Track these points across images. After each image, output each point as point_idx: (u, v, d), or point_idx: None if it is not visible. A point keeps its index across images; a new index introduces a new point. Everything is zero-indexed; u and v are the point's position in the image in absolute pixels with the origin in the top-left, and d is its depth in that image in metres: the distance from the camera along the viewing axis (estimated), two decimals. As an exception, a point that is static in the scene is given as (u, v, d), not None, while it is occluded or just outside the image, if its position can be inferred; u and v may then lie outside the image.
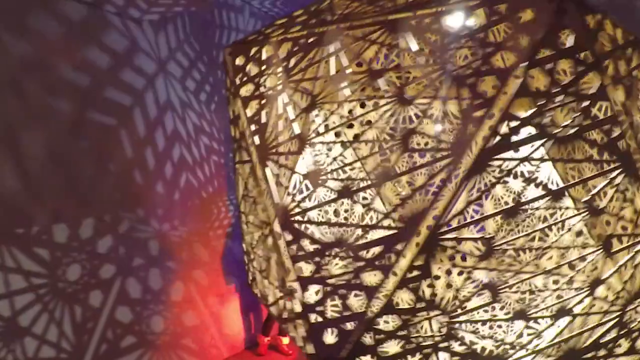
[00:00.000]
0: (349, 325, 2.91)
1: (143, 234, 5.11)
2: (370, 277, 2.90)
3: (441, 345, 2.83)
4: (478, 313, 3.15)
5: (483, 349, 3.09)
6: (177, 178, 5.54)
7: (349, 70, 3.34)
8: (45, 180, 4.26)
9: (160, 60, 5.31)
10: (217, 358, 6.22)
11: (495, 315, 3.65)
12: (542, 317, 2.89)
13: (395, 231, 2.74)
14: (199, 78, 5.87)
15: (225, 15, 6.26)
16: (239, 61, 3.76)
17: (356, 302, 3.02)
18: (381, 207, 4.59)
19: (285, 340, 6.63)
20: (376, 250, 2.78)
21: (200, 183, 5.90)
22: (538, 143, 2.54)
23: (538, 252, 3.27)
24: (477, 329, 3.33)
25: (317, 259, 3.02)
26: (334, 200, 3.56)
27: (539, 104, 2.46)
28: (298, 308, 3.11)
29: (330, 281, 2.96)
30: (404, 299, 3.13)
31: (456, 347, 2.88)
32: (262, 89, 3.49)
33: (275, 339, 6.68)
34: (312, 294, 3.19)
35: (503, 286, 2.76)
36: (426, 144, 4.50)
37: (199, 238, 5.91)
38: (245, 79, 3.64)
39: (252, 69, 3.64)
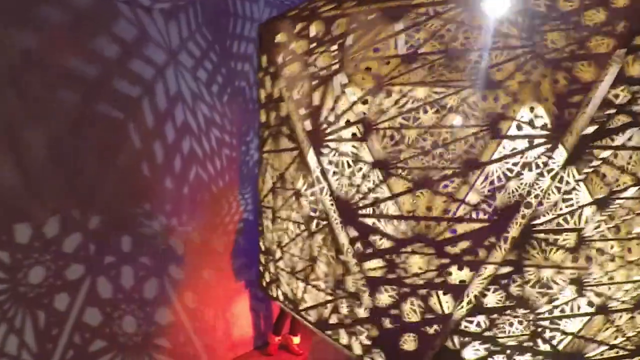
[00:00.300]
0: (431, 329, 2.71)
1: (150, 230, 4.95)
2: (457, 275, 2.71)
3: (525, 344, 2.67)
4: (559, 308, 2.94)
5: (565, 345, 2.90)
6: (187, 172, 5.37)
7: (422, 50, 3.06)
8: (47, 176, 4.10)
9: (170, 50, 5.13)
10: (226, 358, 6.07)
11: (576, 310, 3.43)
12: (623, 311, 2.72)
13: (486, 224, 2.58)
14: (210, 68, 5.68)
15: (239, 4, 6.05)
16: (281, 38, 3.44)
17: (440, 302, 2.78)
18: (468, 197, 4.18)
19: (296, 340, 6.46)
20: (464, 245, 2.61)
21: (211, 177, 5.73)
22: (632, 131, 2.43)
23: (623, 243, 3.06)
24: (560, 325, 3.10)
25: (389, 256, 2.76)
26: (411, 192, 3.23)
27: (634, 91, 2.34)
28: (362, 312, 2.88)
29: (407, 281, 2.73)
30: (491, 297, 2.93)
31: (541, 345, 2.71)
32: (312, 69, 3.17)
33: (285, 338, 6.51)
34: (384, 296, 2.92)
35: (590, 281, 2.59)
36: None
37: (208, 233, 5.75)
38: (290, 57, 3.34)
39: (298, 46, 3.31)
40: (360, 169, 3.18)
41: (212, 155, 5.74)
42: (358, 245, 2.85)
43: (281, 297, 3.71)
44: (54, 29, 4.10)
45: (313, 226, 3.15)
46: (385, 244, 2.88)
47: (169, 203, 5.14)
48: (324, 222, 3.05)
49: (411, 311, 2.77)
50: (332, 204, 2.93)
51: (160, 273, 5.10)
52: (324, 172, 3.03)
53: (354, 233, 2.86)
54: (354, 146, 3.10)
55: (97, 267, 4.51)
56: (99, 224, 4.48)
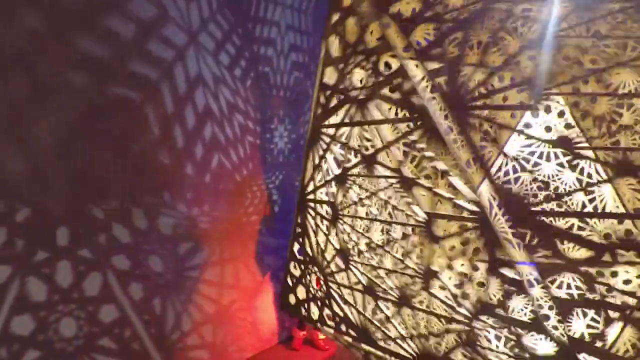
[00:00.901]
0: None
1: (170, 220, 4.67)
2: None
3: None
4: None
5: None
6: (209, 159, 5.08)
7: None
8: (58, 165, 3.83)
9: (191, 31, 4.83)
10: (249, 352, 5.79)
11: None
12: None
13: None
14: (233, 52, 5.37)
15: (262, -16, 5.76)
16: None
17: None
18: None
19: (322, 335, 6.17)
20: None
21: (234, 165, 5.43)
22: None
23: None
24: None
25: (584, 268, 1.98)
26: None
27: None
28: (543, 346, 2.06)
29: (613, 300, 1.96)
30: None
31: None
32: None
33: (310, 333, 6.22)
34: (580, 323, 2.18)
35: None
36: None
37: (231, 224, 5.46)
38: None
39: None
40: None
41: (235, 143, 5.44)
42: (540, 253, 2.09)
43: (328, 322, 3.00)
44: (65, 7, 3.82)
45: (435, 228, 2.42)
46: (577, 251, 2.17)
47: (189, 192, 4.85)
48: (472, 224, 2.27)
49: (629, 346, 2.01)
50: (494, 198, 2.17)
51: (180, 265, 4.82)
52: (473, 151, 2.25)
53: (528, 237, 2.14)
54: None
55: (106, 262, 4.25)
56: (112, 216, 4.21)
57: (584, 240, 2.03)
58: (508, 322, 2.10)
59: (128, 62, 4.24)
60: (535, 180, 2.54)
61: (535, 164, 2.69)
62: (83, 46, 3.93)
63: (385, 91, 2.67)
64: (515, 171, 2.68)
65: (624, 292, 1.98)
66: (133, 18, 4.25)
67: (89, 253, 4.07)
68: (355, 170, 2.94)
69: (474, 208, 2.19)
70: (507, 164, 2.63)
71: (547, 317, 2.03)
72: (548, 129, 2.69)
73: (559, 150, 2.63)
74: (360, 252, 2.91)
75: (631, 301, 1.98)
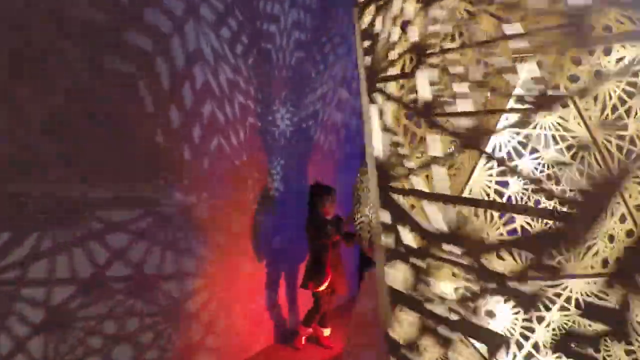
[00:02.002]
0: None
1: (165, 209, 4.22)
2: None
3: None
4: None
5: None
6: (207, 141, 4.62)
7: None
8: (44, 144, 3.36)
9: (190, 1, 4.35)
10: (251, 351, 5.37)
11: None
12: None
13: None
14: (235, 27, 4.90)
15: (266, -46, 5.28)
16: None
17: None
18: None
19: (327, 332, 5.75)
20: None
21: (234, 148, 4.97)
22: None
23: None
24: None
25: None
26: None
27: None
28: None
29: None
30: None
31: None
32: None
33: (315, 330, 5.80)
34: None
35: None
36: None
37: (232, 213, 5.01)
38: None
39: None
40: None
41: (235, 124, 4.98)
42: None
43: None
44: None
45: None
46: None
47: (186, 178, 4.40)
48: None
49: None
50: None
51: (176, 257, 4.37)
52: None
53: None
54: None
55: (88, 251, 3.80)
56: (104, 203, 3.74)
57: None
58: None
59: (122, 32, 3.77)
60: None
61: None
62: (73, 13, 3.45)
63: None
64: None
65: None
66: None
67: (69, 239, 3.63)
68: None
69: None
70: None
71: None
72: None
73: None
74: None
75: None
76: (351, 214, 5.08)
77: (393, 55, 2.12)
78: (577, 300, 2.62)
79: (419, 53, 1.95)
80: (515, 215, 2.85)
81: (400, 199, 1.92)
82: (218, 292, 4.85)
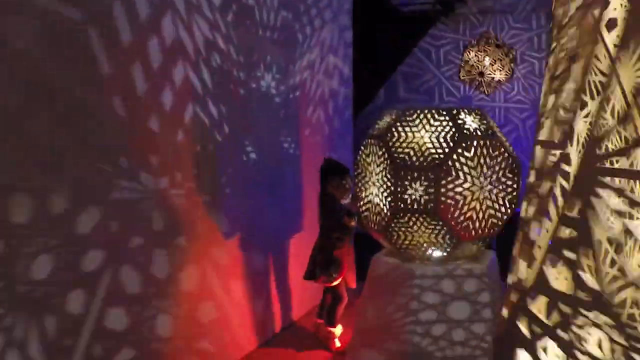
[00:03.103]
0: None
1: (130, 195, 3.32)
2: None
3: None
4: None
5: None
6: (180, 111, 3.73)
7: None
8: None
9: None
10: (244, 352, 4.54)
11: None
12: None
13: None
14: (211, -29, 4.01)
15: None
16: None
17: None
18: None
19: (338, 331, 4.94)
20: None
21: (213, 120, 4.09)
22: None
23: None
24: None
25: None
26: None
27: None
28: None
29: None
30: None
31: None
32: None
33: (319, 330, 5.03)
34: None
35: None
36: None
37: (212, 199, 4.14)
38: None
39: None
40: None
41: (214, 91, 4.09)
42: None
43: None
44: None
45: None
46: None
47: (155, 156, 3.50)
48: None
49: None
50: None
51: (144, 253, 3.49)
52: None
53: None
54: None
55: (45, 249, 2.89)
56: (50, 189, 2.84)
57: None
58: None
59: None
60: None
61: None
62: None
63: None
64: None
65: None
66: None
67: None
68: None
69: None
70: None
71: None
72: None
73: None
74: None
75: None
76: (355, 193, 4.30)
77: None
78: None
79: None
80: None
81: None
82: (203, 293, 4.00)
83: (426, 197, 3.72)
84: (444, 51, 9.82)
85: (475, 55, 8.31)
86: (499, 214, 3.90)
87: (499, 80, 8.42)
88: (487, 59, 8.32)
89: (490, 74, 8.37)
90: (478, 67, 8.37)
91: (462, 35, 9.71)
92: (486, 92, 8.60)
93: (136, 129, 3.33)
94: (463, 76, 8.58)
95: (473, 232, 3.83)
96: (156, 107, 3.48)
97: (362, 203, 4.20)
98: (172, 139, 3.65)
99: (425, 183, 3.72)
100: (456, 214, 3.75)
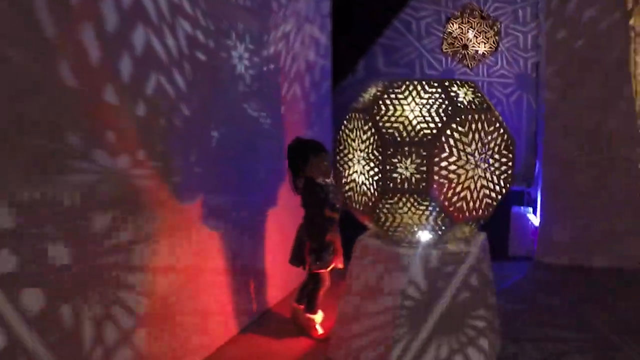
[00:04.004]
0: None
1: (85, 177, 2.96)
2: None
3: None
4: None
5: None
6: (142, 81, 3.37)
7: None
8: None
9: None
10: (212, 346, 4.24)
11: None
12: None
13: None
14: None
15: None
16: None
17: None
18: None
19: (319, 318, 4.68)
20: None
21: (180, 93, 3.73)
22: None
23: None
24: None
25: None
26: None
27: None
28: None
29: None
30: None
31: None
32: None
33: (297, 316, 4.75)
34: None
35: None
36: None
37: (180, 179, 3.80)
38: None
39: None
40: None
41: (180, 60, 3.72)
42: None
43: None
44: None
45: None
46: None
47: (113, 132, 3.14)
48: None
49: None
50: None
51: (104, 242, 3.14)
52: None
53: None
54: None
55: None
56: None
57: None
58: None
59: None
60: None
61: None
62: None
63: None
64: None
65: None
66: None
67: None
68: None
69: None
70: None
71: None
72: None
73: None
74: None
75: None
76: (336, 172, 4.00)
77: None
78: None
79: None
80: None
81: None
82: (163, 280, 3.68)
83: (417, 176, 3.41)
84: (425, 23, 9.53)
85: (459, 27, 8.02)
86: (493, 194, 3.63)
87: (483, 53, 8.16)
88: (470, 31, 8.04)
89: (474, 46, 8.10)
90: (462, 40, 8.10)
91: (444, 7, 9.43)
92: (470, 65, 8.35)
93: (90, 102, 2.96)
94: (446, 49, 8.31)
95: (467, 213, 3.55)
96: (113, 77, 3.11)
97: (345, 182, 3.90)
98: (132, 112, 3.28)
99: (417, 160, 3.41)
100: (449, 194, 3.47)
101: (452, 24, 8.07)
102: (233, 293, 4.55)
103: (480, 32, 7.89)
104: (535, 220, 7.61)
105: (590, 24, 6.52)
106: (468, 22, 7.92)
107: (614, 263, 6.58)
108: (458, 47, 8.08)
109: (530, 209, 8.22)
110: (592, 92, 6.58)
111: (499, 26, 8.11)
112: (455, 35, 8.06)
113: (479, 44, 7.98)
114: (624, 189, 6.56)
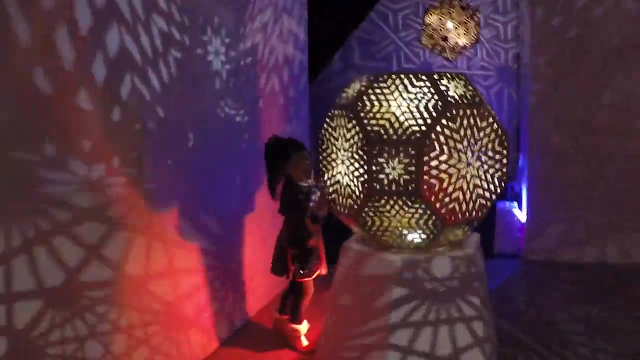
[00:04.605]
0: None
1: (60, 188, 2.85)
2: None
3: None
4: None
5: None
6: (116, 84, 3.25)
7: None
8: None
9: None
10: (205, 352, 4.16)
11: None
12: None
13: None
14: None
15: None
16: None
17: None
18: None
19: (304, 328, 4.59)
20: None
21: (155, 93, 3.62)
22: None
23: None
24: None
25: None
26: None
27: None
28: None
29: None
30: None
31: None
32: None
33: (282, 327, 4.65)
34: None
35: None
36: None
37: (157, 186, 3.69)
38: None
39: None
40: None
41: (155, 60, 3.61)
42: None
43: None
44: None
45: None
46: None
47: (88, 140, 3.03)
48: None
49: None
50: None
51: (79, 254, 3.03)
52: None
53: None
54: None
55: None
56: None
57: None
58: None
59: None
60: None
61: None
62: None
63: None
64: None
65: None
66: None
67: None
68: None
69: None
70: None
71: None
72: None
73: None
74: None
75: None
76: (320, 174, 3.90)
77: None
78: None
79: None
80: None
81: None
82: (141, 292, 3.58)
83: (406, 177, 3.33)
84: (403, 15, 9.46)
85: (439, 19, 7.96)
86: (487, 194, 3.56)
87: (464, 45, 8.10)
88: (450, 22, 7.98)
89: (454, 38, 8.05)
90: (441, 31, 8.03)
91: (422, -2, 9.37)
92: (450, 57, 8.28)
93: (62, 107, 2.84)
94: (425, 41, 8.24)
95: (459, 215, 3.46)
96: (86, 81, 2.99)
97: (328, 184, 3.81)
98: (106, 117, 3.17)
99: (406, 160, 3.32)
100: (440, 195, 3.39)
101: (431, 15, 8.00)
102: (212, 304, 4.44)
103: (460, 23, 7.83)
104: (521, 215, 7.60)
105: (582, 11, 6.51)
106: (448, 13, 7.86)
107: (608, 258, 6.59)
108: (438, 39, 8.02)
109: (515, 204, 8.21)
110: (584, 83, 6.58)
111: (479, 17, 8.06)
112: (434, 27, 8.00)
113: (459, 35, 7.92)
114: (620, 181, 6.57)
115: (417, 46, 9.11)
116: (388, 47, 9.51)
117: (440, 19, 7.96)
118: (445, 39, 8.04)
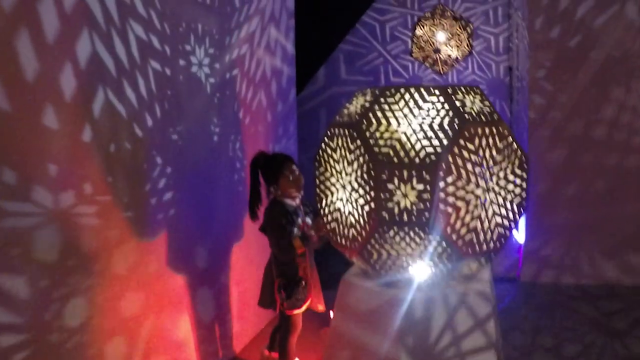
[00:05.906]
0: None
1: (21, 222, 2.46)
2: None
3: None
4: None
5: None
6: (88, 100, 2.88)
7: None
8: None
9: None
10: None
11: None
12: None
13: None
14: None
15: None
16: None
17: None
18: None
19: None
20: None
21: (132, 110, 3.25)
22: None
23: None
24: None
25: None
26: None
27: None
28: None
29: None
30: None
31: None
32: None
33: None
34: None
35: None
36: None
37: (134, 214, 3.31)
38: None
39: None
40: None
41: (132, 71, 3.24)
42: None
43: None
44: None
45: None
46: None
47: (53, 164, 2.64)
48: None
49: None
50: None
51: (48, 294, 2.63)
52: None
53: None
54: None
55: None
56: None
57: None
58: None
59: None
60: None
61: None
62: None
63: None
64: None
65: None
66: None
67: None
68: None
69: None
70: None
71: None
72: None
73: None
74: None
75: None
76: (316, 200, 3.54)
77: None
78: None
79: None
80: None
81: None
82: (127, 328, 3.19)
83: (420, 206, 2.99)
84: (390, 27, 9.20)
85: (430, 30, 7.70)
86: (506, 222, 3.24)
87: (456, 57, 7.85)
88: (441, 33, 7.73)
89: (446, 50, 7.80)
90: (433, 43, 7.78)
91: (411, 9, 9.12)
92: (442, 70, 8.02)
93: (23, 126, 2.46)
94: (416, 54, 7.97)
95: (477, 247, 3.14)
96: (52, 96, 2.61)
97: (326, 211, 3.46)
98: (76, 138, 2.79)
99: (419, 186, 2.98)
100: (457, 225, 3.06)
101: (422, 27, 7.75)
102: (196, 339, 4.07)
103: (453, 35, 7.59)
104: (519, 236, 7.34)
105: (582, 21, 6.30)
106: (440, 23, 7.62)
107: (611, 280, 6.36)
108: (429, 51, 7.77)
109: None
110: (581, 96, 6.35)
111: (472, 28, 7.83)
112: (425, 39, 7.75)
113: (451, 47, 7.68)
114: (620, 200, 6.35)
115: (406, 59, 8.86)
116: (375, 60, 9.24)
117: (432, 30, 7.71)
118: (437, 51, 7.79)
